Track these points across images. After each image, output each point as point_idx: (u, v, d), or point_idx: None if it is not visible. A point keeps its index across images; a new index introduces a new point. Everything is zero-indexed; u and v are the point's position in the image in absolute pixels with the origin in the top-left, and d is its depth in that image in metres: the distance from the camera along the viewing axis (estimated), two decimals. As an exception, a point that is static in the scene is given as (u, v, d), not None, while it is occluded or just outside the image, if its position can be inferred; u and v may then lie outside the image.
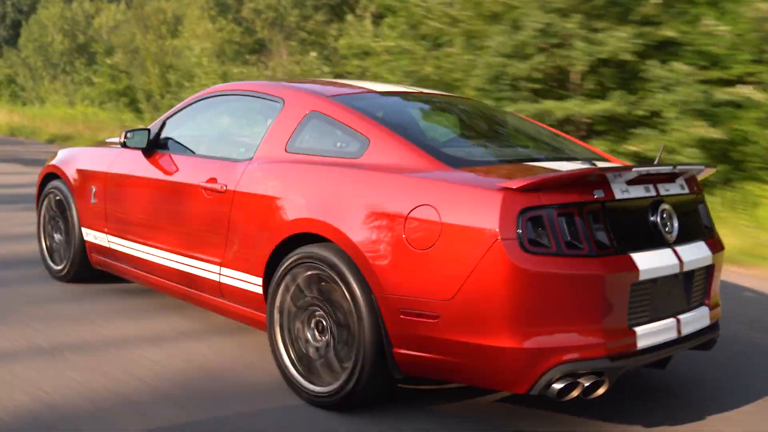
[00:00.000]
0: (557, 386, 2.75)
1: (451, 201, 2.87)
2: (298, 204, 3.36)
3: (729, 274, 6.09)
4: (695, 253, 3.16)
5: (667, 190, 3.15)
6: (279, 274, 3.39)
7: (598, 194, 2.86)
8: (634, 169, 2.89)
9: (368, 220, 3.06)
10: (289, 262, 3.35)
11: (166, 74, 20.83)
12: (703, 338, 3.24)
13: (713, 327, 3.34)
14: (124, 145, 4.40)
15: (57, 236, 5.23)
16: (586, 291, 2.74)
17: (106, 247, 4.72)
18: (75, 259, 5.01)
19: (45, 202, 5.31)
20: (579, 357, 2.75)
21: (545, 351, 2.73)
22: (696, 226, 3.31)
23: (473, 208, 2.80)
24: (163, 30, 22.94)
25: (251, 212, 3.60)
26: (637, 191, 3.01)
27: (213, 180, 3.84)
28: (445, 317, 2.85)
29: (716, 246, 3.37)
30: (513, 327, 2.73)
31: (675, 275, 3.07)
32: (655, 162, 3.84)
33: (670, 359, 3.17)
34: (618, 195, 2.92)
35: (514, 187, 2.75)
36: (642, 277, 2.87)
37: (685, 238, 3.16)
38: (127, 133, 4.37)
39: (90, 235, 4.86)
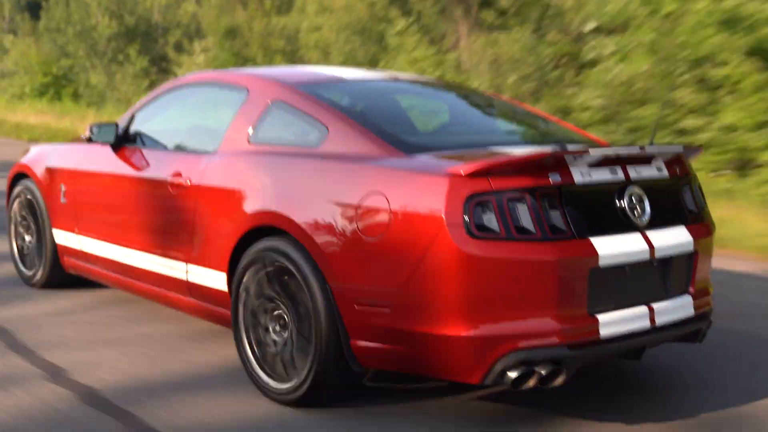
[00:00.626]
0: (512, 375, 2.97)
1: (399, 188, 3.11)
2: (257, 196, 3.64)
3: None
4: (671, 239, 3.36)
5: (639, 173, 3.37)
6: (241, 268, 3.67)
7: (554, 178, 3.08)
8: (591, 152, 3.11)
9: (323, 211, 3.33)
10: (250, 256, 3.63)
11: (273, 60, 19.59)
12: (686, 329, 3.44)
13: (700, 317, 3.53)
14: (89, 140, 4.73)
15: (28, 239, 5.59)
16: (539, 276, 2.97)
17: (77, 249, 5.06)
18: (47, 264, 5.35)
19: (15, 204, 5.66)
20: (533, 344, 2.97)
21: (496, 338, 2.96)
22: (675, 210, 3.50)
23: (421, 194, 3.04)
24: (267, 5, 21.41)
25: (214, 206, 3.88)
26: (602, 174, 3.23)
27: (178, 174, 4.14)
28: (396, 306, 3.10)
29: (701, 231, 3.55)
30: (462, 314, 2.96)
31: (648, 261, 3.28)
32: (649, 142, 4.07)
33: (644, 350, 3.39)
34: (578, 179, 3.14)
35: (462, 173, 2.98)
36: (603, 262, 3.09)
37: (659, 222, 3.35)
38: (92, 127, 4.69)
39: (61, 237, 5.21)
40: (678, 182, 3.58)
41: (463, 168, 3.00)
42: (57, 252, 5.29)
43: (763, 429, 3.36)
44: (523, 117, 4.29)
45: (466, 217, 2.95)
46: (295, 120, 3.76)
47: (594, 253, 3.07)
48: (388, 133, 3.49)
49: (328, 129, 3.57)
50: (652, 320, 3.27)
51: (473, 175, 2.98)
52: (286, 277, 3.47)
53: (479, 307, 2.97)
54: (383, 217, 3.12)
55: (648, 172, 3.41)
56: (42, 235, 5.37)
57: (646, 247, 3.25)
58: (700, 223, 3.59)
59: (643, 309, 3.26)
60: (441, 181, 3.00)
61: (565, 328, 3.02)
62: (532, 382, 3.03)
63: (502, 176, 3.01)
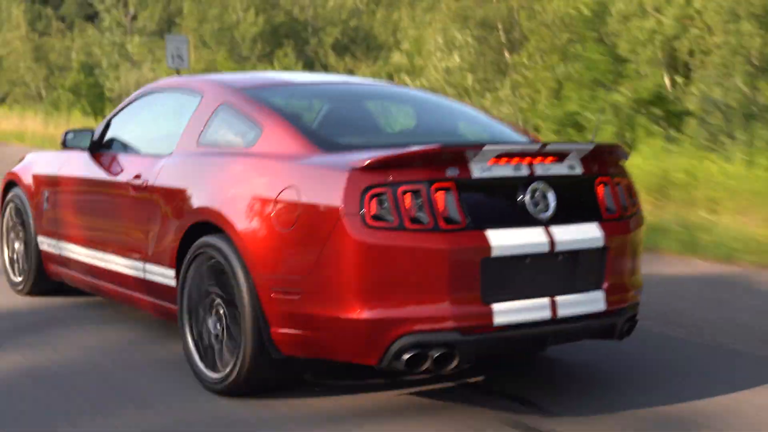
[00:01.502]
0: (405, 356, 3.75)
1: (309, 182, 3.92)
2: (198, 195, 4.50)
3: None
4: (575, 234, 4.07)
5: (546, 170, 4.12)
6: (185, 264, 4.54)
7: (452, 173, 3.85)
8: (486, 148, 3.88)
9: (248, 206, 4.15)
10: (191, 252, 4.49)
11: None
12: (596, 323, 4.16)
13: (614, 313, 4.22)
14: (63, 145, 5.73)
15: (17, 246, 6.62)
16: (430, 264, 3.72)
17: (58, 255, 6.04)
18: (32, 270, 6.36)
19: (6, 211, 6.71)
20: (425, 328, 3.72)
21: (390, 321, 3.72)
22: (586, 207, 4.21)
23: (324, 187, 3.84)
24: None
25: (164, 206, 4.75)
26: (503, 170, 3.97)
27: (138, 176, 5.05)
28: (305, 293, 3.90)
29: (617, 228, 4.24)
30: (358, 299, 3.73)
31: (553, 254, 4.00)
32: (591, 139, 4.81)
33: (547, 340, 4.11)
34: (476, 174, 3.90)
35: (359, 166, 3.78)
36: (495, 253, 3.82)
37: (565, 218, 4.08)
38: (67, 133, 5.69)
39: (44, 243, 6.20)
40: (594, 180, 4.29)
41: (361, 162, 3.81)
42: (41, 259, 6.29)
43: (685, 428, 4.03)
44: (461, 117, 5.10)
45: (362, 208, 3.75)
46: (236, 122, 4.64)
47: (486, 243, 3.82)
48: (315, 133, 4.33)
49: (262, 129, 4.44)
50: (554, 312, 3.99)
51: (370, 168, 3.77)
52: (221, 271, 4.34)
53: (375, 292, 3.74)
54: (295, 210, 3.95)
55: (557, 169, 4.14)
56: (29, 243, 6.38)
57: (545, 240, 3.97)
58: (618, 220, 4.29)
59: (543, 300, 3.96)
60: (341, 175, 3.82)
61: (457, 314, 3.77)
62: (425, 365, 3.80)
63: (399, 169, 3.79)
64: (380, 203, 3.76)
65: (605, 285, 4.21)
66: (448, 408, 4.18)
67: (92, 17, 51.24)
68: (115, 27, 42.31)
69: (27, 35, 46.59)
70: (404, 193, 3.78)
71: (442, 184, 3.84)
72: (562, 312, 4.03)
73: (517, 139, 4.87)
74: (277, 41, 29.37)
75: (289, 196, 3.99)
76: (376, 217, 3.76)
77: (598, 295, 4.17)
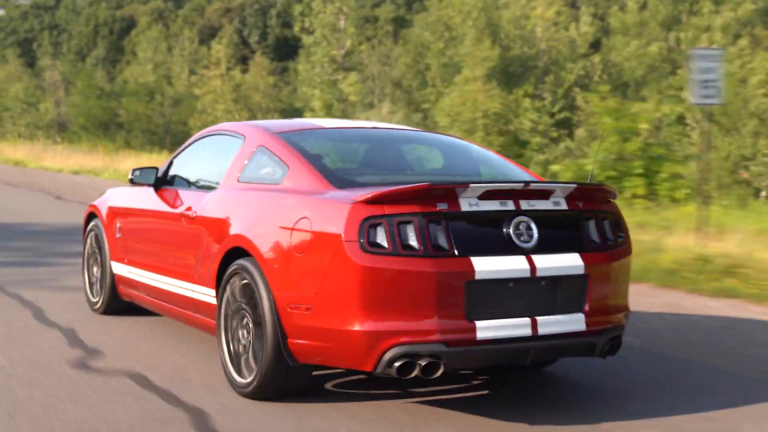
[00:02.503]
0: (397, 364, 4.45)
1: (320, 213, 4.72)
2: (234, 224, 5.35)
3: None
4: (556, 262, 4.74)
5: (531, 206, 4.77)
6: (222, 284, 5.34)
7: (442, 206, 4.57)
8: (472, 186, 4.57)
9: (271, 234, 4.97)
10: (228, 273, 5.31)
11: None
12: (576, 341, 4.78)
13: (595, 333, 4.85)
14: (131, 181, 6.62)
15: (95, 271, 7.54)
16: (419, 285, 4.45)
17: (127, 278, 6.93)
18: (107, 292, 7.26)
19: (88, 240, 7.68)
20: (414, 340, 4.45)
21: (384, 334, 4.45)
22: (569, 238, 4.89)
23: (330, 217, 4.63)
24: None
25: (208, 234, 5.62)
26: (490, 205, 4.68)
27: (189, 208, 5.92)
28: (315, 308, 4.66)
29: (598, 258, 4.90)
30: (357, 314, 4.49)
31: (535, 279, 4.66)
32: (588, 180, 5.44)
33: (529, 355, 4.73)
34: (465, 207, 4.60)
35: (360, 200, 4.54)
36: (479, 276, 4.52)
37: (547, 248, 4.75)
38: (134, 171, 6.61)
39: (117, 268, 7.10)
40: (579, 215, 4.94)
41: (362, 197, 4.54)
42: (114, 282, 7.18)
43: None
44: (465, 157, 5.82)
45: (361, 235, 4.47)
46: (269, 161, 5.46)
47: (471, 268, 4.51)
48: (332, 171, 5.13)
49: (288, 168, 5.22)
50: (534, 329, 4.64)
51: (370, 201, 4.53)
52: (250, 290, 5.09)
53: (371, 308, 4.49)
54: (307, 237, 4.72)
55: (542, 205, 4.81)
56: (104, 267, 7.29)
57: (526, 266, 4.65)
58: (600, 251, 4.93)
59: (525, 320, 4.67)
60: (344, 207, 4.58)
61: (442, 328, 4.49)
62: (415, 372, 4.49)
63: (395, 204, 4.54)
64: (377, 232, 4.47)
65: (586, 308, 4.85)
66: (438, 417, 4.82)
67: (292, 52, 49.31)
68: (327, 64, 39.49)
69: (227, 73, 44.27)
70: (399, 223, 4.51)
71: (432, 216, 4.53)
72: (542, 330, 4.72)
73: (523, 178, 5.51)
74: (507, 77, 29.37)
75: (303, 225, 4.77)
76: (373, 244, 4.50)
77: (578, 317, 4.85)
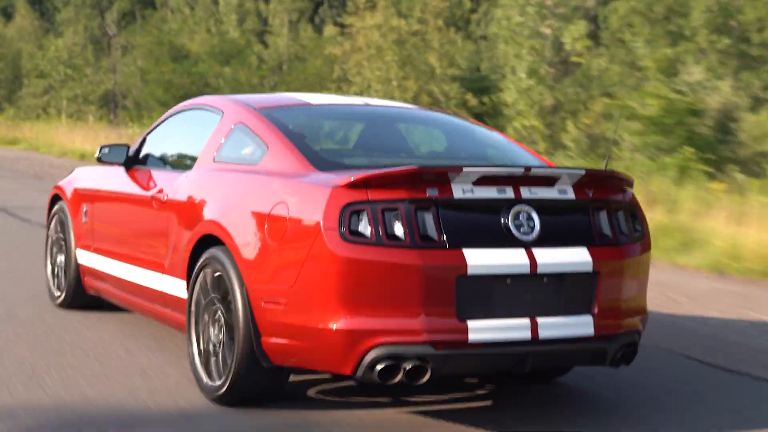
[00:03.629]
0: (378, 367, 4.34)
1: (297, 198, 4.59)
2: (207, 209, 5.22)
3: None
4: (561, 258, 4.61)
5: (533, 194, 4.66)
6: (193, 275, 5.25)
7: (432, 192, 4.45)
8: (465, 170, 4.46)
9: (246, 220, 4.85)
10: (199, 263, 5.19)
11: None
12: (582, 347, 4.66)
13: (605, 338, 4.73)
14: (99, 160, 6.54)
15: (60, 259, 7.46)
16: (405, 279, 4.32)
17: (93, 268, 6.84)
18: (71, 284, 7.17)
19: (51, 225, 7.58)
20: (399, 341, 4.32)
21: (364, 333, 4.33)
22: (576, 231, 4.75)
23: (309, 202, 4.50)
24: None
25: (180, 219, 5.51)
26: (486, 192, 4.55)
27: (161, 191, 5.83)
28: (291, 303, 4.54)
29: (610, 254, 4.75)
30: (335, 309, 4.35)
31: (536, 276, 4.55)
32: (604, 167, 5.34)
33: (527, 360, 4.63)
34: (458, 194, 4.48)
35: (341, 184, 4.42)
36: (472, 271, 4.40)
37: (551, 241, 4.63)
38: (103, 147, 6.51)
39: (82, 256, 7.02)
40: (588, 205, 4.81)
41: (343, 180, 4.44)
42: (79, 272, 7.10)
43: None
44: (470, 139, 5.70)
45: (341, 223, 4.38)
46: (248, 140, 5.36)
47: (462, 261, 4.40)
48: (315, 152, 5.01)
49: (268, 147, 5.13)
50: (534, 332, 4.53)
51: (352, 186, 4.42)
52: (223, 284, 5.01)
53: (351, 304, 4.37)
54: (283, 224, 4.61)
55: (545, 193, 4.69)
56: (68, 256, 7.21)
57: (526, 261, 4.53)
58: (613, 246, 4.80)
59: (524, 321, 4.52)
60: (323, 191, 4.47)
61: (430, 328, 4.36)
62: (398, 377, 4.39)
63: (379, 188, 4.42)
64: (359, 219, 4.38)
65: (594, 310, 4.72)
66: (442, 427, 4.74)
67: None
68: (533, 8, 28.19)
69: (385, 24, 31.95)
70: (383, 210, 4.40)
71: (421, 203, 4.43)
72: (544, 333, 4.57)
73: (531, 163, 5.41)
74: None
75: (279, 210, 4.66)
76: (354, 233, 4.39)
77: (585, 319, 4.70)
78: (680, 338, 7.01)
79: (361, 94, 32.10)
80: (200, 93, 35.96)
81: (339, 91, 34.95)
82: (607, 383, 5.70)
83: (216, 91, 38.77)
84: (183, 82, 39.79)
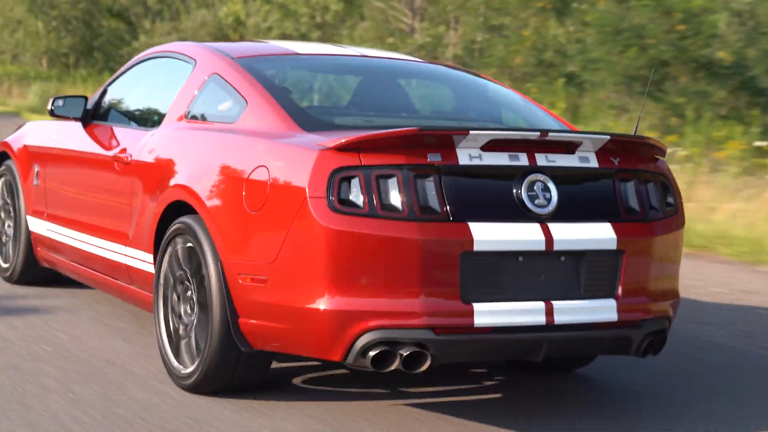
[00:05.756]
0: (372, 353, 4.42)
1: (279, 161, 4.64)
2: (177, 172, 5.29)
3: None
4: (580, 234, 4.69)
5: (550, 161, 4.77)
6: (162, 247, 5.33)
7: (434, 158, 4.53)
8: (472, 133, 4.52)
9: (221, 185, 4.90)
10: (168, 234, 5.26)
11: None
12: (602, 335, 4.77)
13: (629, 325, 4.81)
14: (52, 113, 6.65)
15: (8, 225, 7.54)
16: (401, 255, 4.38)
17: (46, 237, 6.93)
18: (21, 256, 7.28)
19: (-3, 187, 7.66)
20: (393, 324, 4.41)
21: (355, 315, 4.40)
22: (599, 204, 4.82)
23: (293, 167, 4.56)
24: None
25: (145, 184, 5.58)
26: (497, 159, 4.63)
27: (124, 150, 5.92)
28: (271, 280, 4.62)
29: (636, 230, 4.83)
30: (321, 288, 4.42)
31: (553, 254, 4.66)
32: (633, 132, 5.46)
33: (542, 348, 4.75)
34: (464, 160, 4.56)
35: (329, 146, 4.49)
36: (478, 247, 4.49)
37: (570, 215, 4.70)
38: (56, 99, 6.59)
39: (34, 224, 7.12)
40: (614, 175, 4.89)
41: (332, 142, 4.55)
42: (31, 242, 7.22)
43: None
44: (482, 98, 5.82)
45: (329, 191, 4.49)
46: (224, 94, 5.43)
47: (468, 236, 4.50)
48: (301, 110, 5.09)
49: (247, 103, 5.25)
50: (550, 317, 4.65)
51: (342, 149, 4.49)
52: (195, 257, 5.14)
53: (340, 282, 4.43)
54: (264, 190, 4.69)
55: (565, 161, 4.79)
56: (18, 223, 7.32)
57: (541, 237, 4.62)
58: (641, 222, 4.90)
59: (537, 304, 4.61)
60: (309, 155, 4.55)
61: (430, 310, 4.44)
62: (394, 365, 4.50)
63: (374, 152, 4.50)
64: (350, 187, 4.49)
65: (618, 292, 4.83)
66: (432, 424, 4.90)
67: None
68: None
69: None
70: (378, 177, 4.48)
71: (421, 170, 4.52)
72: (560, 318, 4.66)
73: (549, 126, 5.52)
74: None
75: (259, 175, 4.75)
76: (344, 202, 4.47)
77: (608, 303, 4.80)
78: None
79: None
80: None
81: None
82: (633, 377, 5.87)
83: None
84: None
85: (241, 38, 39.57)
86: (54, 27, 37.94)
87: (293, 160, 4.65)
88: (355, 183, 4.49)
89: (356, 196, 4.49)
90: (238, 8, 41.38)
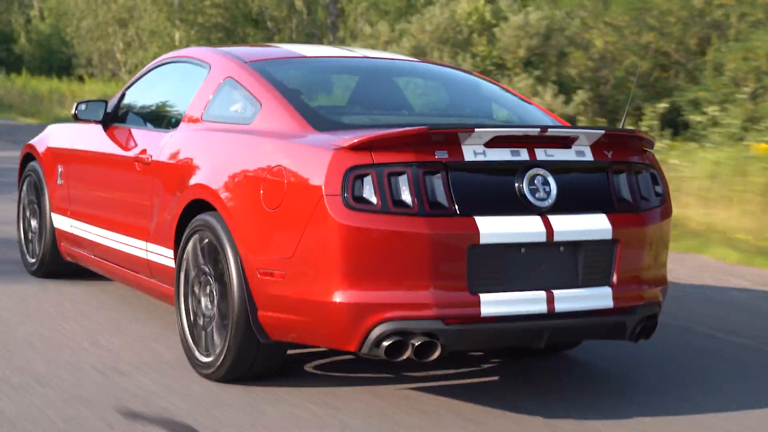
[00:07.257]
0: (385, 344, 4.51)
1: (295, 161, 4.74)
2: (196, 171, 5.38)
3: None
4: (578, 225, 4.77)
5: (548, 156, 4.82)
6: (182, 243, 5.40)
7: (441, 155, 4.60)
8: (476, 131, 4.60)
9: (239, 184, 5.00)
10: (188, 230, 5.35)
11: None
12: (600, 321, 4.84)
13: (626, 311, 4.89)
14: (75, 117, 6.67)
15: (34, 224, 7.62)
16: (413, 249, 4.48)
17: (70, 233, 7.00)
18: (46, 250, 7.33)
19: (24, 186, 7.73)
20: (407, 315, 4.50)
21: (370, 307, 4.49)
22: (594, 196, 4.90)
23: (308, 166, 4.65)
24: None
25: (165, 183, 5.66)
26: (499, 154, 4.70)
27: (144, 151, 5.98)
28: (289, 275, 4.71)
29: (629, 220, 4.92)
30: (337, 282, 4.52)
31: (552, 245, 4.73)
32: (621, 126, 5.51)
33: (544, 336, 4.80)
34: (469, 157, 4.63)
35: (343, 146, 4.57)
36: (485, 240, 4.56)
37: (568, 207, 4.78)
38: (79, 104, 6.64)
39: (58, 221, 7.18)
40: (608, 168, 4.97)
41: (346, 141, 4.59)
42: (55, 238, 7.26)
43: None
44: (474, 95, 5.88)
45: (344, 189, 4.53)
46: (239, 96, 5.51)
47: (475, 230, 4.56)
48: (312, 110, 5.16)
49: (261, 105, 5.27)
50: (551, 305, 4.70)
51: (355, 148, 4.56)
52: (215, 252, 5.17)
53: (355, 276, 4.53)
54: (281, 189, 4.76)
55: (562, 155, 4.85)
56: (43, 220, 7.37)
57: (542, 229, 4.69)
58: (633, 212, 4.97)
59: (539, 293, 4.69)
60: (325, 154, 4.61)
61: (440, 302, 4.53)
62: (406, 354, 4.56)
63: (385, 151, 4.57)
64: (364, 184, 4.53)
65: (613, 280, 4.90)
66: (453, 406, 4.94)
67: None
68: None
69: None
70: (390, 175, 4.55)
71: (430, 167, 4.58)
72: (560, 306, 4.75)
73: (542, 121, 5.57)
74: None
75: (276, 174, 4.83)
76: (358, 199, 4.55)
77: (604, 290, 4.88)
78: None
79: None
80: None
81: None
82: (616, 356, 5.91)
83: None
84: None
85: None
86: (193, 36, 35.01)
87: (309, 160, 4.71)
88: (368, 181, 4.56)
89: (369, 193, 4.57)
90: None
